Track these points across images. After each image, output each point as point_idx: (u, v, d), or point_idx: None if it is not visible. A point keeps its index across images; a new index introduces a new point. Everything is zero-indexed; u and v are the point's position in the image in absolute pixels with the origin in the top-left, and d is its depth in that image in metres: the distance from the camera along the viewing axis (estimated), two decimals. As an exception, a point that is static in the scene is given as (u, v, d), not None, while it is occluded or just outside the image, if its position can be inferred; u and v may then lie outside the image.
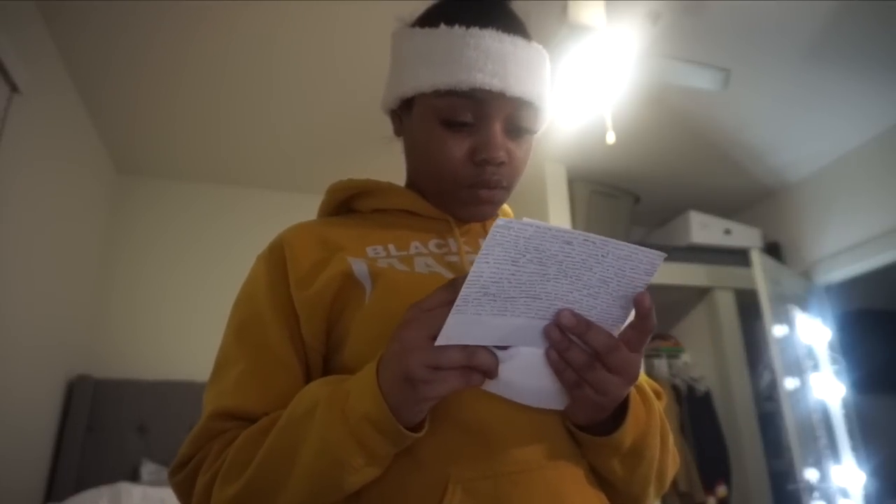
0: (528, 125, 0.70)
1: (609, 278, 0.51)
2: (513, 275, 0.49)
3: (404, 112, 0.74)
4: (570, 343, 0.53)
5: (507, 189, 0.72)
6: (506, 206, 0.84)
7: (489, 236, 0.47)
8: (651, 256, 0.51)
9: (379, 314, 0.63)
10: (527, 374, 0.55)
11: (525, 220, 0.47)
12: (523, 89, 0.67)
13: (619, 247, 0.50)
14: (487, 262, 0.48)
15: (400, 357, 0.50)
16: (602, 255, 0.50)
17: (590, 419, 0.60)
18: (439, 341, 0.49)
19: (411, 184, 0.78)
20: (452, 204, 0.73)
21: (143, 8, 1.98)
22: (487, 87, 0.65)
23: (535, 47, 0.71)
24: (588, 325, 0.52)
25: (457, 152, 0.68)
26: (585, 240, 0.49)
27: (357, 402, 0.51)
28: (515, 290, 0.50)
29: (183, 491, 0.62)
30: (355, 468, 0.52)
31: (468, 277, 0.48)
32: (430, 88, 0.68)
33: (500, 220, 0.46)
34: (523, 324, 0.52)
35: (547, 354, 0.54)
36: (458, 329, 0.49)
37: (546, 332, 0.53)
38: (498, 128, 0.68)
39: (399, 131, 0.77)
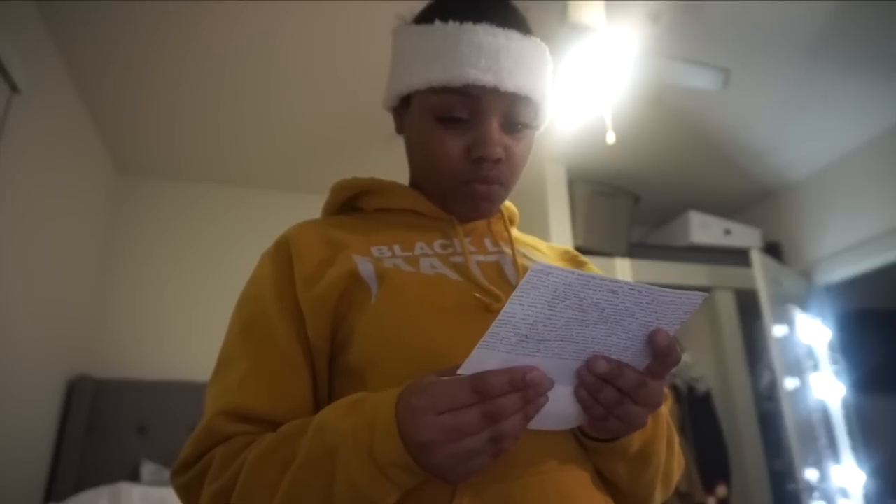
0: (526, 120, 0.69)
1: (650, 322, 0.51)
2: (548, 318, 0.48)
3: (403, 109, 0.74)
4: (602, 384, 0.52)
5: (506, 186, 0.71)
6: (512, 206, 0.83)
7: (524, 280, 0.45)
8: (693, 298, 0.50)
9: (385, 316, 0.62)
10: (551, 403, 0.54)
11: (565, 268, 0.47)
12: (518, 84, 0.66)
13: (664, 294, 0.49)
14: (521, 305, 0.46)
15: (423, 452, 0.49)
16: (647, 303, 0.49)
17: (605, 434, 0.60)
18: (462, 370, 0.49)
19: (414, 182, 0.78)
20: (451, 201, 0.72)
21: (143, 8, 1.98)
22: (480, 83, 0.65)
23: (533, 41, 0.70)
24: (620, 368, 0.52)
25: (453, 149, 0.67)
26: (631, 289, 0.48)
27: (383, 449, 0.50)
28: (550, 333, 0.49)
29: (187, 494, 0.60)
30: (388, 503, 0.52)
31: (499, 317, 0.47)
32: (424, 85, 0.67)
33: (537, 266, 0.45)
34: (555, 364, 0.51)
35: (576, 393, 0.54)
36: (483, 363, 0.48)
37: (580, 376, 0.53)
38: (494, 124, 0.67)
39: (400, 129, 0.77)
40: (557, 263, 0.80)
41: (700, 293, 0.50)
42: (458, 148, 0.67)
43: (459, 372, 0.49)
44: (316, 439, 0.53)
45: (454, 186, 0.70)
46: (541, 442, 0.59)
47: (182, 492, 0.61)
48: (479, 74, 0.65)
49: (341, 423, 0.53)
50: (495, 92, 0.66)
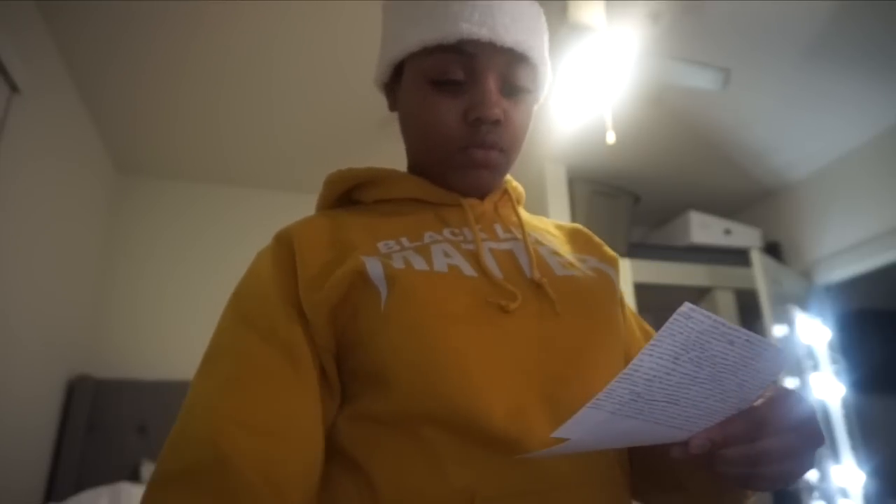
0: (524, 83, 0.66)
1: (745, 382, 0.46)
2: (668, 374, 0.42)
3: (396, 84, 0.71)
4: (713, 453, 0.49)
5: (506, 153, 0.67)
6: (518, 186, 0.79)
7: (666, 325, 0.40)
8: (781, 360, 0.47)
9: (397, 323, 0.58)
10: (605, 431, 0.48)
11: (706, 312, 0.41)
12: (515, 38, 0.63)
13: (767, 348, 0.45)
14: (652, 356, 0.41)
15: None
16: (751, 358, 0.44)
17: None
18: (559, 433, 0.44)
19: (411, 166, 0.75)
20: (448, 174, 0.68)
21: (143, 8, 1.98)
22: (475, 38, 0.61)
23: (528, 1, 0.68)
24: (724, 440, 0.48)
25: (448, 114, 0.64)
26: (747, 340, 0.43)
27: None
28: (661, 392, 0.43)
29: None
30: None
31: (624, 371, 0.41)
32: (417, 47, 0.64)
33: (686, 307, 0.40)
34: (650, 428, 0.46)
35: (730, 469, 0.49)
36: (583, 425, 0.43)
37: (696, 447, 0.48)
38: (491, 83, 0.63)
39: (393, 106, 0.73)
40: (568, 244, 0.76)
41: (787, 354, 0.47)
42: (454, 112, 0.64)
43: (556, 435, 0.43)
44: None
45: (450, 154, 0.66)
46: (564, 454, 0.56)
47: None
48: (474, 28, 0.62)
49: None
50: (492, 48, 0.62)
